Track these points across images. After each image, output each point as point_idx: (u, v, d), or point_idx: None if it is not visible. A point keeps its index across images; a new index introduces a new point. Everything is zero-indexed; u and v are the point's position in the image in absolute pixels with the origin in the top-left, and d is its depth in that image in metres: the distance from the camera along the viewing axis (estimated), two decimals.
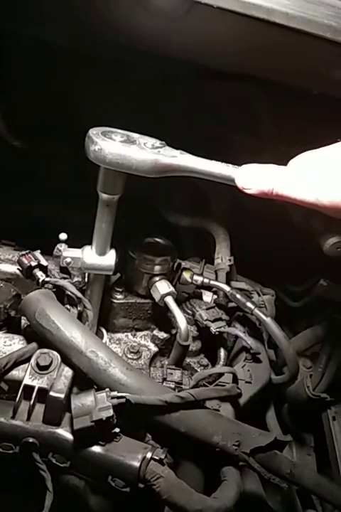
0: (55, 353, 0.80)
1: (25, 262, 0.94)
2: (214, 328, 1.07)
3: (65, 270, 1.00)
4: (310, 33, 0.72)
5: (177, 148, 0.85)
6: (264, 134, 1.23)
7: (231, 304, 1.17)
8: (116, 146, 0.80)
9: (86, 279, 1.04)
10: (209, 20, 0.79)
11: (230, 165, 0.81)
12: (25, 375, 0.77)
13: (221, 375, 0.98)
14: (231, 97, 1.17)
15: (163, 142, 0.86)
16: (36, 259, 0.95)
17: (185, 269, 1.16)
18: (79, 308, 0.92)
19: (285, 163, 0.75)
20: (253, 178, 0.73)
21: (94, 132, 0.83)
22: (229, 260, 1.23)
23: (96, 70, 1.20)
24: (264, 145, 1.20)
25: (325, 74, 0.86)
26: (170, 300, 1.04)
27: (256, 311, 1.08)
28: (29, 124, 1.29)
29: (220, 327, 1.07)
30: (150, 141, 0.85)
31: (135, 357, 1.08)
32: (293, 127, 1.16)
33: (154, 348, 1.12)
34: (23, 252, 0.96)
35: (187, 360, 1.10)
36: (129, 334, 1.13)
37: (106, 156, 0.79)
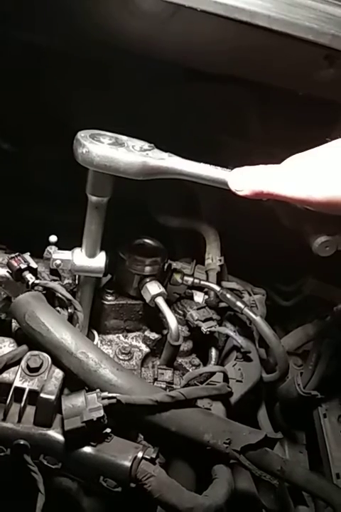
0: (46, 354, 0.80)
1: (15, 264, 0.93)
2: (205, 327, 1.07)
3: (55, 272, 1.01)
4: (293, 35, 0.74)
5: (166, 151, 0.86)
6: (252, 135, 1.24)
7: (222, 304, 1.18)
8: (103, 149, 0.80)
9: (76, 281, 1.05)
10: (194, 23, 0.80)
11: (219, 167, 0.81)
12: (16, 378, 0.77)
13: (212, 374, 0.99)
14: (219, 98, 1.18)
15: (152, 145, 0.87)
16: (26, 261, 0.94)
17: (175, 270, 1.17)
18: (69, 310, 0.93)
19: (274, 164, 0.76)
20: (246, 179, 0.73)
21: (82, 135, 0.83)
22: (220, 260, 1.24)
23: (85, 72, 1.20)
24: (253, 146, 1.21)
25: (309, 75, 0.88)
26: (160, 301, 1.04)
27: (246, 310, 1.09)
28: (18, 127, 1.29)
29: (211, 327, 1.08)
30: (139, 143, 0.86)
31: (126, 358, 1.08)
32: (282, 128, 1.17)
33: (145, 349, 1.12)
34: (13, 255, 0.95)
35: (179, 360, 1.11)
36: (121, 335, 1.13)
37: (93, 159, 0.79)
